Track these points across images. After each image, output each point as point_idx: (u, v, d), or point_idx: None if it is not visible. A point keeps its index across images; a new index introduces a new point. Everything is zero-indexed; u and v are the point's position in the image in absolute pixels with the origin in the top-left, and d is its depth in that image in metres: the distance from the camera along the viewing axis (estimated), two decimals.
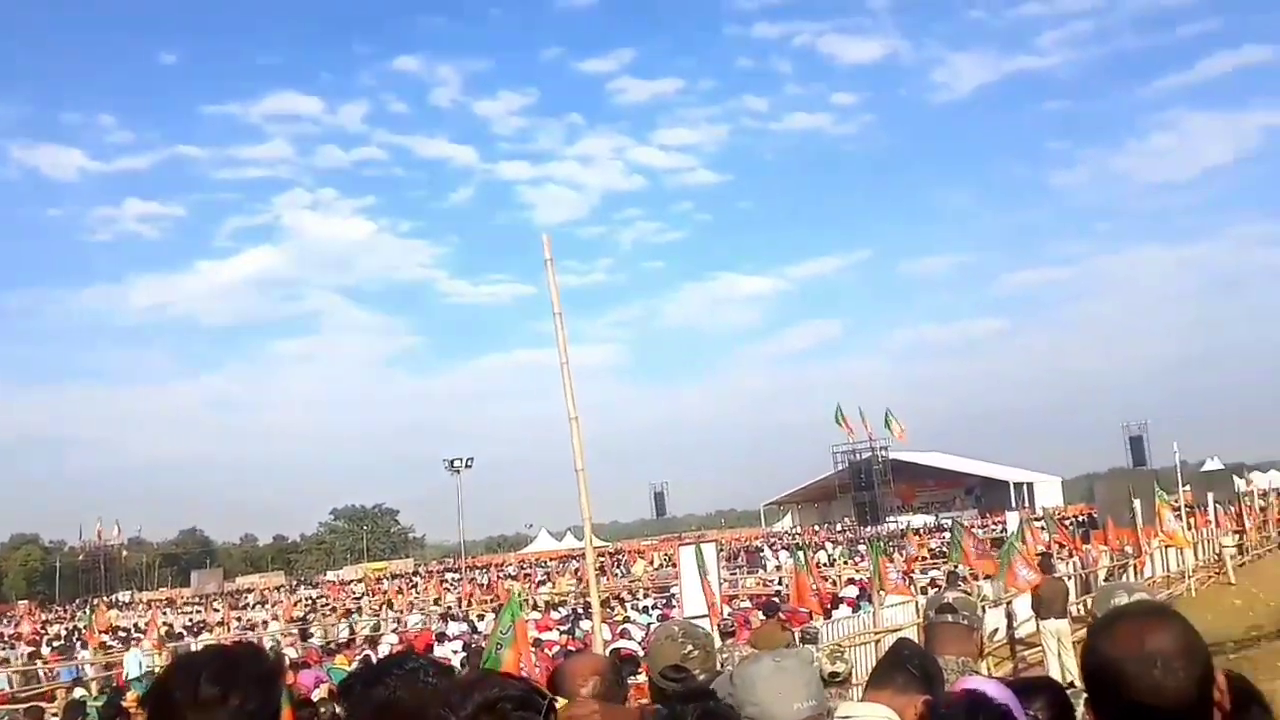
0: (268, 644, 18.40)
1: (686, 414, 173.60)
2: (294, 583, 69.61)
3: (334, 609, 34.76)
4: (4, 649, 27.52)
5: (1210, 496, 25.73)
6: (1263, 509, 31.71)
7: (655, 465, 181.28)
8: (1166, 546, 21.45)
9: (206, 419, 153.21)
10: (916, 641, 3.25)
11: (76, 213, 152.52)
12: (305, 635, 24.35)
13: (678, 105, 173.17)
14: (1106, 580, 17.65)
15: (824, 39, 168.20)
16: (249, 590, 62.14)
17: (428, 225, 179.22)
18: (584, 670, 2.69)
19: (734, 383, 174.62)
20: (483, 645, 12.13)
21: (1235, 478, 37.46)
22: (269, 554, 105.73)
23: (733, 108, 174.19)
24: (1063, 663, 12.46)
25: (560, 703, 1.81)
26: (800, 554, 17.96)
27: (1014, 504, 59.46)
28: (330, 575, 74.67)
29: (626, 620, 18.22)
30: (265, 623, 31.49)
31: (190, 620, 34.49)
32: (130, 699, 11.37)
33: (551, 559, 60.89)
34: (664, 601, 22.94)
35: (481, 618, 23.55)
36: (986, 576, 16.61)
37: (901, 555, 30.42)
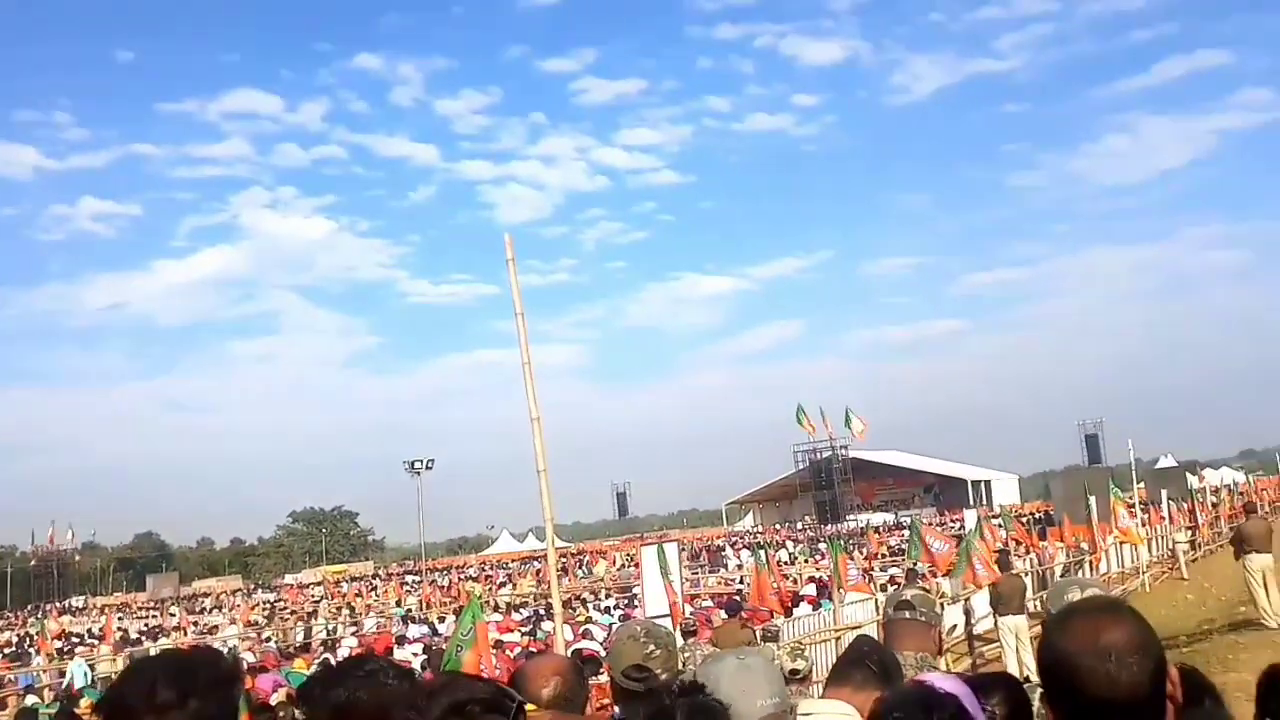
0: (225, 648, 18.13)
1: (649, 414, 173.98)
2: (252, 586, 68.64)
3: (294, 612, 34.35)
4: None
5: (1164, 493, 26.13)
6: (1214, 505, 32.37)
7: (618, 466, 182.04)
8: (1121, 543, 21.83)
9: (163, 421, 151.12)
10: (876, 638, 3.28)
11: (31, 211, 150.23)
12: (268, 637, 24.08)
13: (641, 106, 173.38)
14: (1063, 577, 17.92)
15: (785, 40, 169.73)
16: (206, 594, 61.17)
17: (388, 224, 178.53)
18: (545, 671, 2.68)
19: (696, 383, 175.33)
20: (443, 647, 12.05)
21: (1188, 475, 38.16)
22: (226, 558, 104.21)
23: (695, 108, 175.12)
24: (1021, 658, 12.60)
25: (529, 706, 1.81)
26: (761, 553, 18.07)
27: (972, 502, 60.28)
28: (289, 578, 73.78)
29: (588, 621, 18.18)
30: (217, 627, 31.02)
31: (146, 625, 33.90)
32: (84, 706, 11.15)
33: (513, 560, 60.60)
34: (626, 602, 22.93)
35: (442, 620, 23.40)
36: (945, 573, 16.81)
37: (861, 553, 30.71)
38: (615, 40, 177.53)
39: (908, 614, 3.29)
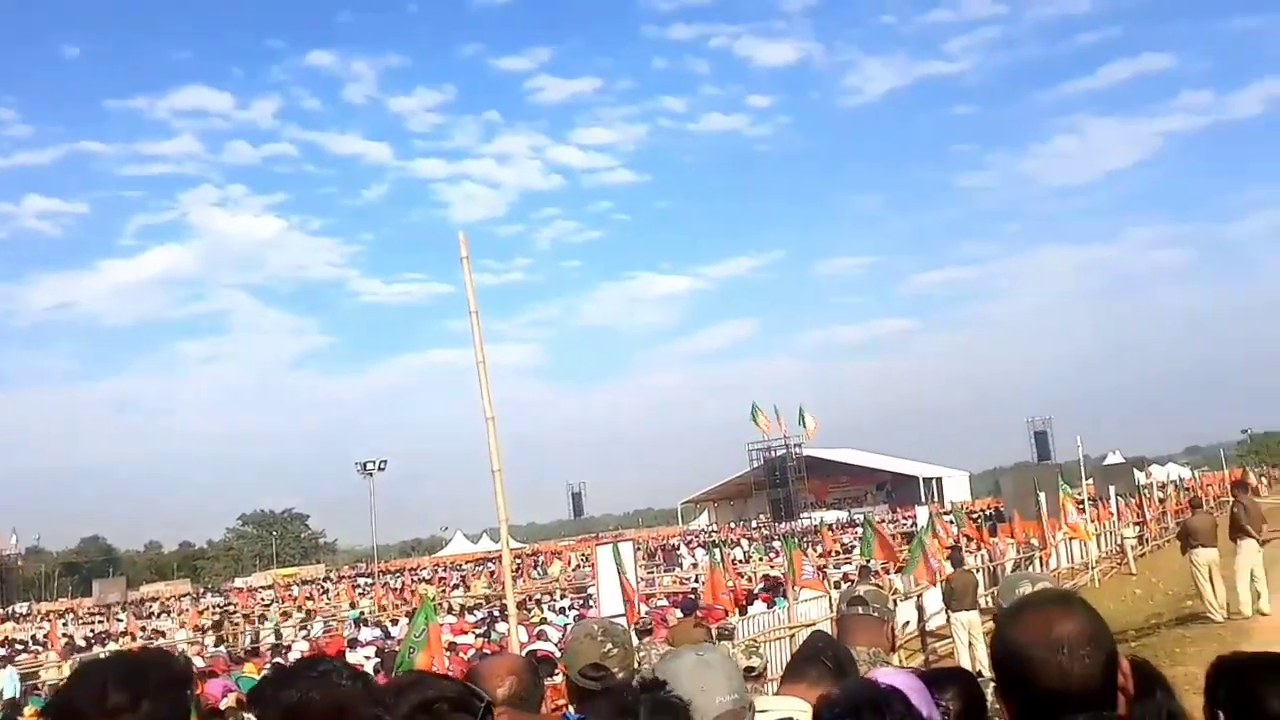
0: (179, 651, 17.76)
1: (604, 413, 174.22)
2: (201, 590, 67.40)
3: (246, 616, 33.79)
4: None
5: (1112, 489, 26.56)
6: (1161, 501, 33.01)
7: (573, 465, 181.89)
8: (1071, 539, 22.19)
9: (109, 422, 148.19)
10: (831, 634, 3.30)
11: None
12: (220, 640, 23.65)
13: (595, 105, 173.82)
14: (1014, 572, 18.17)
15: (740, 41, 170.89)
16: (154, 599, 59.95)
17: (340, 223, 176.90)
18: (499, 671, 2.65)
19: (652, 382, 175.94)
20: (396, 650, 11.93)
21: (1135, 471, 38.97)
22: (174, 561, 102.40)
23: (650, 108, 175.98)
24: (974, 654, 12.72)
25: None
26: (716, 551, 18.11)
27: (924, 499, 61.04)
28: (238, 582, 72.64)
29: (543, 622, 18.11)
30: (165, 632, 30.39)
31: (92, 631, 33.11)
32: (29, 714, 10.87)
33: (467, 562, 60.20)
34: (581, 602, 22.88)
35: (395, 623, 23.16)
36: (898, 570, 16.99)
37: (815, 551, 30.93)
38: (570, 39, 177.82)
39: (861, 609, 3.32)
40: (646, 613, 15.88)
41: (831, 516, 60.62)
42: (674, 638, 10.44)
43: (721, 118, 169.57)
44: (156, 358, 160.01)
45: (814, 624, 12.41)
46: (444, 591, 35.02)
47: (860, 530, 22.11)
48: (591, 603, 20.00)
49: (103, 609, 53.07)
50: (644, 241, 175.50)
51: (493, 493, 7.60)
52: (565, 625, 17.07)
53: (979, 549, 21.13)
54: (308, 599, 40.54)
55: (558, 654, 10.00)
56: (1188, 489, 36.87)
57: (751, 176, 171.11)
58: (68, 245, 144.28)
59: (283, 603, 40.35)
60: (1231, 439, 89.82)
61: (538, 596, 26.80)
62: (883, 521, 43.34)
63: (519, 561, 46.11)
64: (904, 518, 48.22)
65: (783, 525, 58.67)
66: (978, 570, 17.41)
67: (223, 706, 8.91)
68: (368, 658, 15.90)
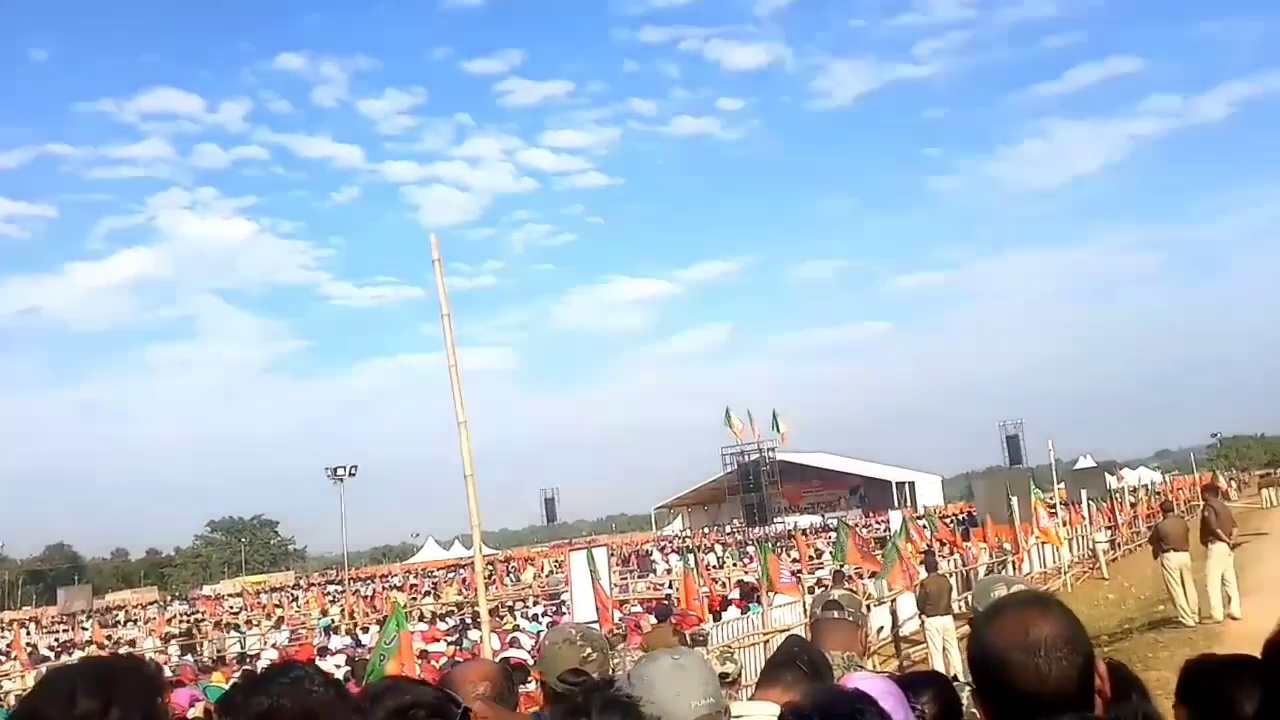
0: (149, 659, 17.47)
1: (577, 418, 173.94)
2: (168, 598, 66.55)
3: (217, 624, 33.37)
4: None
5: (1084, 493, 26.72)
6: (1133, 505, 33.35)
7: (546, 471, 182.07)
8: (1043, 543, 22.32)
9: (76, 428, 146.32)
10: (805, 638, 3.29)
11: None
12: (188, 650, 23.34)
13: (567, 108, 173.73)
14: (988, 576, 18.25)
15: (710, 44, 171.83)
16: (120, 607, 59.09)
17: (310, 226, 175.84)
18: (473, 676, 2.64)
19: (625, 386, 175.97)
20: (367, 658, 11.81)
21: (1107, 475, 39.31)
22: (141, 569, 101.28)
23: (621, 111, 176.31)
24: (948, 659, 12.69)
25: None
26: (689, 557, 18.10)
27: (897, 503, 61.35)
28: (206, 590, 71.77)
29: (516, 629, 18.00)
30: (135, 640, 29.98)
31: (57, 640, 32.57)
32: None
33: (439, 569, 59.86)
34: (554, 609, 22.77)
35: (366, 630, 22.95)
36: (871, 575, 17.02)
37: (789, 556, 30.97)
38: (541, 42, 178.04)
39: (836, 613, 3.32)
40: (621, 619, 15.87)
41: (805, 521, 60.82)
42: (648, 644, 10.43)
43: (692, 121, 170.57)
44: (125, 362, 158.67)
45: (789, 629, 12.40)
46: (415, 599, 34.73)
47: (834, 535, 22.18)
48: (565, 609, 19.91)
49: (67, 617, 52.30)
50: (617, 245, 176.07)
51: (465, 498, 7.55)
52: (538, 632, 16.97)
53: (952, 553, 21.23)
54: (277, 607, 40.12)
55: (531, 662, 9.95)
56: (1158, 493, 37.37)
57: (724, 180, 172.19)
58: (35, 249, 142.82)
59: (251, 611, 39.94)
60: (1201, 443, 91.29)
61: (511, 603, 26.65)
62: (856, 526, 43.56)
63: (491, 568, 45.89)
64: (877, 522, 48.43)
65: (756, 530, 58.80)
66: (951, 575, 17.48)
67: (190, 716, 8.79)
68: (338, 666, 15.72)
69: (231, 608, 44.99)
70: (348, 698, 1.80)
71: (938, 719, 2.53)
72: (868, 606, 15.31)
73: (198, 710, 9.56)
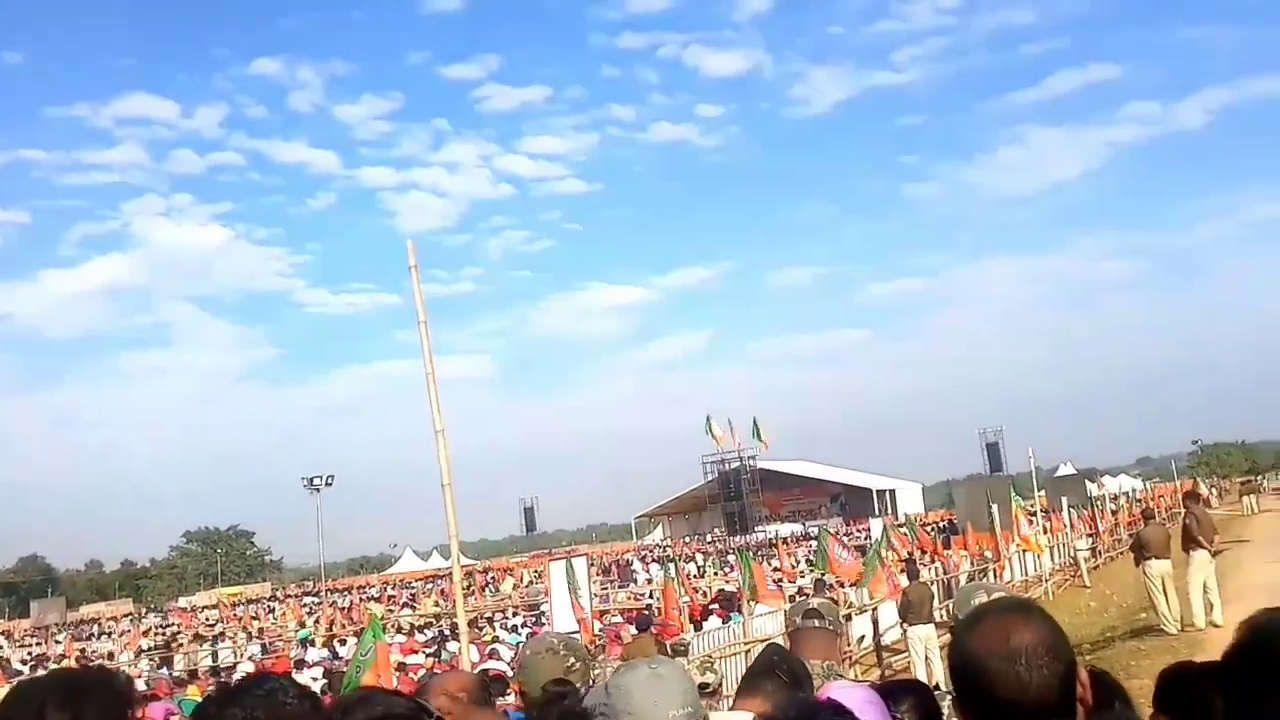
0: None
1: (556, 426, 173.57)
2: (143, 610, 65.81)
3: (196, 636, 32.99)
4: None
5: (1065, 501, 26.84)
6: (1114, 513, 33.51)
7: (525, 479, 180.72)
8: (1024, 551, 22.39)
9: (49, 437, 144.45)
10: (784, 647, 3.26)
11: None
12: (166, 662, 23.04)
13: (545, 113, 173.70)
14: (969, 583, 18.24)
15: (689, 50, 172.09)
16: (94, 620, 58.39)
17: (286, 232, 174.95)
18: (449, 687, 2.62)
19: (604, 394, 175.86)
20: (344, 670, 11.69)
21: (1088, 482, 39.54)
22: (116, 581, 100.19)
23: (600, 117, 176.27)
24: (930, 668, 12.66)
25: None
26: (670, 566, 18.05)
27: (878, 511, 61.53)
28: (182, 601, 71.04)
29: (495, 640, 17.89)
30: (113, 654, 29.62)
31: (29, 654, 32.09)
32: None
33: (417, 579, 59.51)
34: (534, 619, 22.66)
35: (343, 643, 22.75)
36: (853, 584, 17.01)
37: (769, 565, 30.95)
38: (519, 47, 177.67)
39: (816, 622, 3.31)
40: (601, 629, 15.80)
41: (786, 530, 60.91)
42: (629, 654, 10.38)
43: (671, 127, 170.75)
44: (99, 370, 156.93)
45: (770, 638, 12.38)
46: (393, 610, 34.48)
47: (815, 543, 22.18)
48: (544, 620, 19.82)
49: (40, 631, 51.61)
50: (595, 251, 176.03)
51: (442, 508, 7.48)
52: (518, 644, 16.86)
53: (933, 561, 21.26)
54: (253, 618, 39.74)
55: (510, 673, 9.86)
56: (1140, 500, 37.59)
57: (702, 186, 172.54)
58: (7, 255, 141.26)
59: (227, 623, 39.53)
60: (1182, 450, 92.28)
61: (490, 614, 26.49)
62: (837, 534, 43.61)
63: (470, 579, 45.65)
64: (858, 530, 48.53)
65: (738, 539, 58.78)
66: (932, 583, 17.50)
67: None
68: (315, 679, 15.57)
69: (207, 620, 44.53)
70: (322, 710, 1.77)
71: None
72: (849, 615, 15.34)
73: None
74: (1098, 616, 15.65)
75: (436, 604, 35.22)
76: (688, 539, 70.50)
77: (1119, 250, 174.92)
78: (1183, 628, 12.42)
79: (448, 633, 20.14)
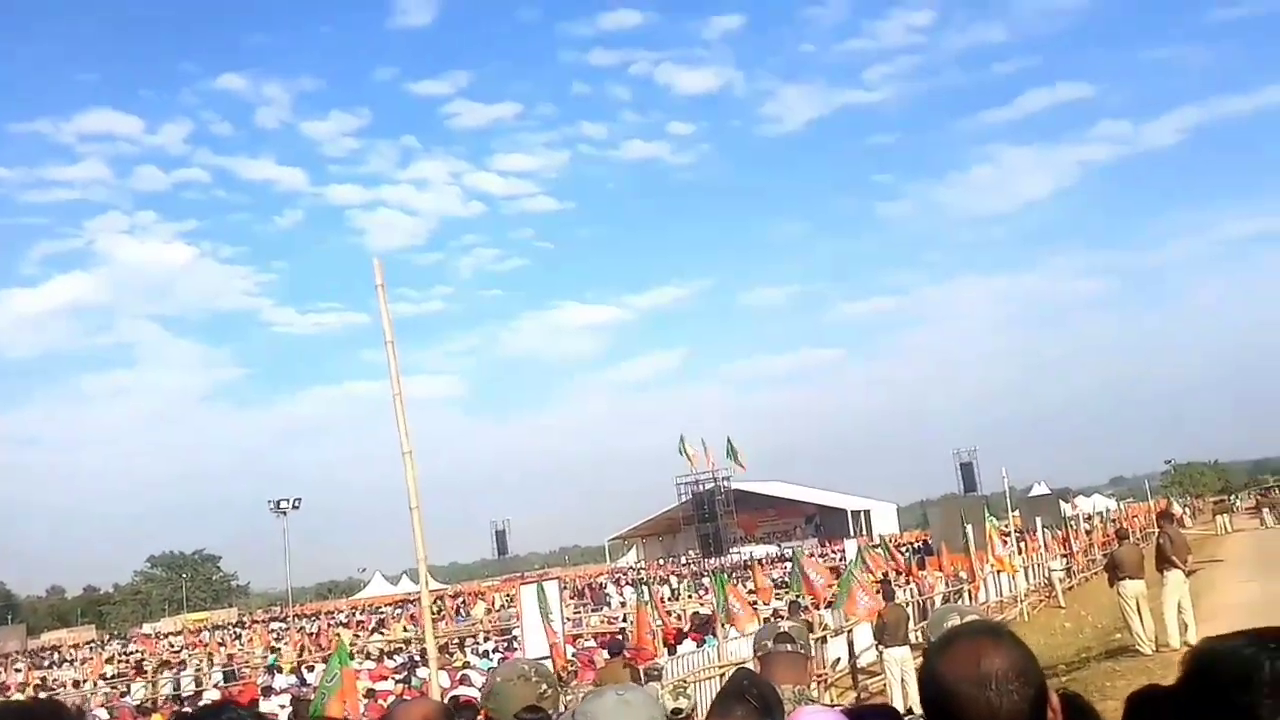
0: (72, 702, 16.80)
1: (528, 447, 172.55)
2: (106, 637, 64.53)
3: (163, 663, 32.34)
4: None
5: (1038, 521, 26.84)
6: (1088, 533, 33.63)
7: (496, 502, 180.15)
8: (998, 571, 22.40)
9: (9, 460, 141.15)
10: (754, 671, 3.19)
11: None
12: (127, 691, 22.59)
13: (515, 130, 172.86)
14: (943, 605, 18.21)
15: (660, 68, 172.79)
16: (55, 647, 57.16)
17: (252, 250, 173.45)
18: (413, 715, 2.63)
19: (576, 414, 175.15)
20: (311, 698, 11.46)
21: (1061, 502, 39.63)
22: (78, 607, 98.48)
23: (571, 134, 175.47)
24: (906, 690, 12.55)
25: None
26: (643, 589, 17.90)
27: (852, 532, 61.59)
28: (146, 628, 69.78)
29: (466, 666, 17.65)
30: (80, 682, 28.94)
31: None
32: None
33: (386, 604, 58.79)
34: (506, 645, 22.39)
35: (311, 669, 22.39)
36: (828, 605, 16.93)
37: (744, 588, 30.79)
38: (488, 63, 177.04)
39: (788, 647, 3.24)
40: (574, 654, 15.60)
41: (761, 551, 60.76)
42: (601, 680, 10.24)
43: (643, 145, 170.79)
44: (60, 391, 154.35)
45: (745, 662, 12.25)
46: (362, 636, 33.97)
47: (789, 565, 22.10)
48: (516, 645, 19.58)
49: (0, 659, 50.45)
50: (567, 270, 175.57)
51: (411, 531, 7.34)
52: (489, 669, 16.63)
53: (908, 583, 21.22)
54: (219, 645, 39.04)
55: (480, 700, 9.70)
56: (1113, 520, 37.76)
57: (675, 204, 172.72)
58: None
59: (193, 649, 38.81)
60: (1156, 469, 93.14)
61: (460, 639, 26.17)
62: (811, 555, 43.54)
63: (440, 603, 45.13)
64: (833, 551, 48.50)
65: (712, 561, 58.59)
66: (908, 605, 17.44)
67: None
68: (282, 706, 15.35)
69: (172, 646, 43.70)
70: None
71: None
72: (824, 638, 15.24)
73: None
74: (1073, 637, 15.62)
75: (406, 629, 34.76)
76: (662, 561, 70.19)
77: (1091, 269, 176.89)
78: (1158, 648, 12.38)
79: (418, 658, 19.85)
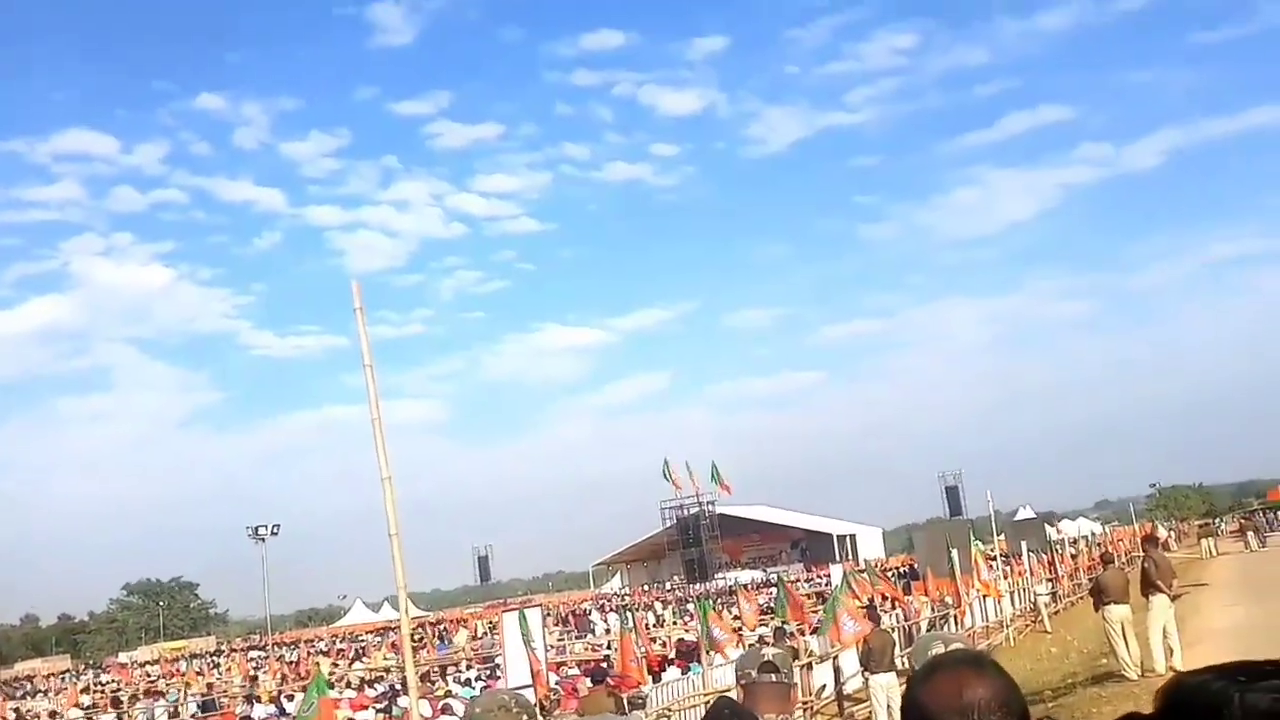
0: None
1: (510, 472, 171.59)
2: (81, 667, 63.48)
3: (146, 691, 31.76)
4: None
5: (1024, 545, 26.76)
6: (1073, 557, 33.59)
7: (478, 527, 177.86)
8: (984, 596, 22.30)
9: None
10: (735, 700, 3.10)
11: None
12: None
13: (498, 151, 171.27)
14: (928, 631, 18.09)
15: (644, 89, 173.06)
16: (29, 677, 56.18)
17: (231, 273, 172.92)
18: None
19: (560, 438, 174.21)
20: None
21: (1046, 526, 39.57)
22: (53, 636, 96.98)
23: (553, 155, 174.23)
24: (892, 717, 12.47)
25: None
26: (627, 616, 17.70)
27: (838, 556, 61.39)
28: (122, 657, 68.72)
29: (448, 695, 17.38)
30: (54, 713, 28.36)
31: None
32: None
33: (367, 632, 58.13)
34: (488, 673, 22.11)
35: (290, 698, 22.02)
36: (813, 631, 16.77)
37: (730, 613, 30.56)
38: (470, 83, 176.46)
39: (773, 676, 3.14)
40: (557, 682, 15.38)
41: (746, 576, 60.49)
42: (584, 708, 10.07)
43: (626, 166, 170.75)
44: (35, 415, 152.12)
45: (729, 690, 12.09)
46: (337, 665, 33.50)
47: (775, 591, 21.91)
48: (499, 673, 19.32)
49: None
50: (550, 292, 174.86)
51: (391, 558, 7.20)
52: (471, 698, 16.37)
53: (894, 608, 21.08)
54: (197, 674, 38.44)
55: None
56: (1098, 544, 37.74)
57: (658, 225, 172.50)
58: None
59: (170, 679, 38.18)
60: (1140, 493, 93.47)
61: (442, 668, 25.84)
62: (796, 581, 43.38)
63: (421, 631, 44.62)
64: (819, 576, 48.30)
65: (697, 586, 58.27)
66: (893, 630, 17.30)
67: None
68: None
69: (149, 676, 42.99)
70: None
71: None
72: (809, 664, 15.09)
73: None
74: (1059, 662, 15.53)
75: (387, 657, 34.32)
76: (646, 587, 69.77)
77: (1075, 291, 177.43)
78: (1143, 673, 12.29)
79: (399, 687, 19.55)
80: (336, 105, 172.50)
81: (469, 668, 25.23)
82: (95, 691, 35.68)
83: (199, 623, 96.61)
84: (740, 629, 21.72)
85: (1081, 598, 25.11)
